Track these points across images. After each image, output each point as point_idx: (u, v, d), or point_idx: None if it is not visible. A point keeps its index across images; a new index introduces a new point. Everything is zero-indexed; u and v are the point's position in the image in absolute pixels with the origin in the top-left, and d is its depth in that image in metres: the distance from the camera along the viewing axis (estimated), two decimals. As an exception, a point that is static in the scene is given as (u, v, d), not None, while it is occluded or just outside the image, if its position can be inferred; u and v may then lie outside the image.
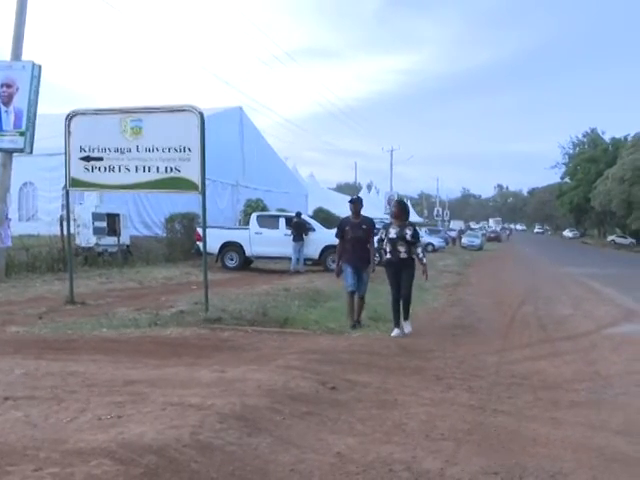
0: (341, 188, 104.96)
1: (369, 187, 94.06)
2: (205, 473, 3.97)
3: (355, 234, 10.56)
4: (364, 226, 10.67)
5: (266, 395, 5.72)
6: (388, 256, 10.19)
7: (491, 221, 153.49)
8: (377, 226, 11.48)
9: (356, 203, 10.84)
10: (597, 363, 8.45)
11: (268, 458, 4.36)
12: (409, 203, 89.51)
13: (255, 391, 5.81)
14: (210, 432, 4.56)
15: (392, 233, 10.08)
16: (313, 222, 24.08)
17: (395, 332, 9.93)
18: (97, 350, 7.97)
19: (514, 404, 6.28)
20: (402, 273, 10.15)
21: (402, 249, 10.03)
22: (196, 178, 10.55)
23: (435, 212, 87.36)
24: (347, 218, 11.01)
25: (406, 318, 10.22)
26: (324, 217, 33.67)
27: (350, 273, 10.60)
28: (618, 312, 13.75)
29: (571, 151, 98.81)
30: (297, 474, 4.17)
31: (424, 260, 10.32)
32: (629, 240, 75.69)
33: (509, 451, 4.82)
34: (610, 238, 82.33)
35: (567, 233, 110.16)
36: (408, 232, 10.08)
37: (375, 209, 54.91)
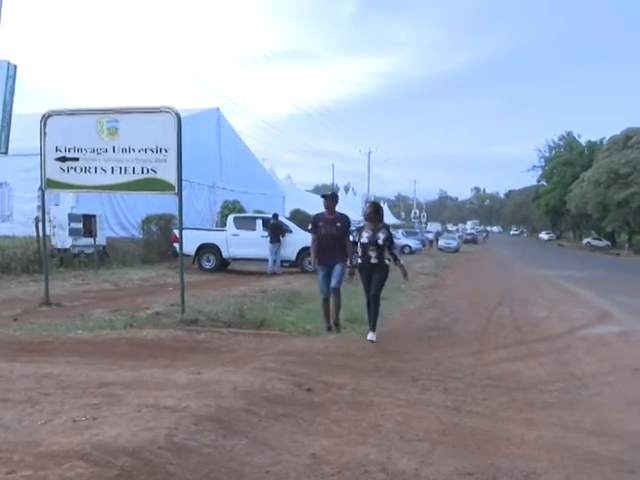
0: (318, 190, 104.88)
1: (346, 189, 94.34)
2: (180, 475, 3.97)
3: (328, 231, 10.15)
4: (338, 224, 10.22)
5: (242, 397, 5.72)
6: (359, 260, 9.79)
7: (469, 223, 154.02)
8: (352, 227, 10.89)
9: (329, 199, 10.46)
10: (571, 364, 8.52)
11: (243, 460, 4.36)
12: (385, 205, 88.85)
13: (231, 393, 5.81)
14: (185, 434, 4.55)
15: (364, 237, 9.66)
16: (290, 224, 24.04)
17: (371, 335, 9.53)
18: (72, 352, 7.92)
19: (489, 405, 6.31)
20: (373, 276, 9.70)
21: (373, 254, 9.59)
22: (172, 179, 10.50)
23: (412, 214, 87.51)
24: (321, 214, 10.55)
25: (373, 328, 9.57)
26: (301, 219, 33.61)
27: (322, 278, 10.24)
28: (593, 314, 13.85)
29: (547, 154, 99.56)
30: (272, 476, 4.17)
31: (401, 261, 9.99)
32: (604, 242, 76.31)
33: (484, 452, 4.86)
34: (586, 240, 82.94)
35: (543, 235, 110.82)
36: (381, 236, 9.59)
37: (352, 211, 54.81)
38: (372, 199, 55.19)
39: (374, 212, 10.03)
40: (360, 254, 9.72)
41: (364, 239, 9.63)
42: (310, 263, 21.62)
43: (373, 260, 9.61)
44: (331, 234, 10.14)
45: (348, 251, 10.10)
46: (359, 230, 9.94)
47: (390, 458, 4.58)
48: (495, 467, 4.51)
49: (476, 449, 4.91)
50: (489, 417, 5.89)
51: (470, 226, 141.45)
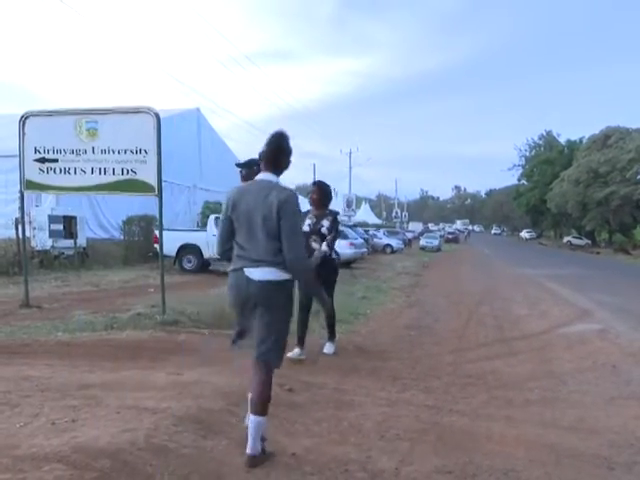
0: (300, 189, 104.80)
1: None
2: (160, 476, 3.96)
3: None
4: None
5: (222, 397, 5.71)
6: None
7: (458, 222, 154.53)
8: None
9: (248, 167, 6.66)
10: (551, 362, 8.58)
11: (223, 460, 4.36)
12: (367, 205, 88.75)
13: (211, 394, 5.80)
14: (165, 435, 4.54)
15: (305, 225, 7.87)
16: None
17: (294, 352, 7.75)
18: (52, 354, 7.88)
19: (469, 403, 6.35)
20: (319, 277, 6.99)
21: (316, 246, 7.98)
22: (152, 180, 10.45)
23: (394, 214, 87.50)
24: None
25: (331, 337, 8.50)
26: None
27: None
28: (572, 312, 13.93)
29: (527, 153, 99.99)
30: (253, 476, 4.18)
31: (328, 252, 8.05)
32: (584, 241, 76.73)
33: (464, 450, 4.88)
34: (566, 239, 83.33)
35: (524, 234, 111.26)
36: (325, 224, 8.03)
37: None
38: (354, 199, 54.85)
39: (319, 195, 8.30)
40: None
41: (305, 227, 7.78)
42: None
43: (316, 254, 7.93)
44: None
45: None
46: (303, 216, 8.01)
47: (370, 457, 4.60)
48: (475, 465, 4.54)
49: (456, 447, 4.94)
50: (469, 415, 5.92)
51: (460, 225, 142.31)
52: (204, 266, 23.14)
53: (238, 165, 7.11)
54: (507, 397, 6.65)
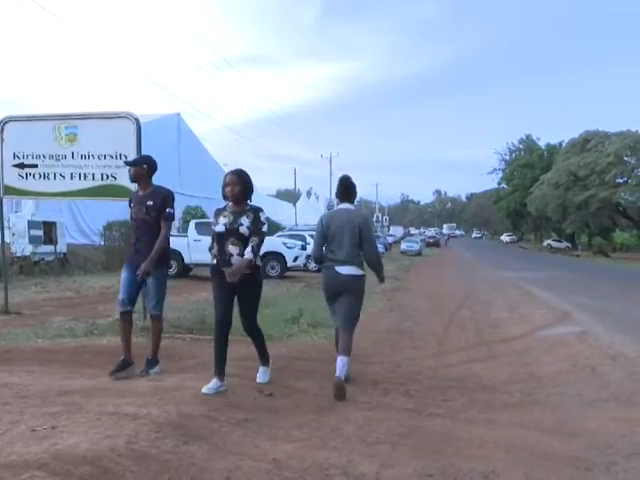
0: (281, 194, 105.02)
1: (308, 193, 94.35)
2: (140, 483, 3.95)
3: (138, 214, 7.08)
4: (150, 202, 6.96)
5: (202, 403, 5.71)
6: (213, 261, 6.52)
7: (445, 227, 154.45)
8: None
9: (135, 165, 7.20)
10: (531, 365, 8.62)
11: (204, 466, 4.35)
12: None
13: (192, 399, 5.79)
14: (145, 441, 4.53)
15: (219, 224, 6.41)
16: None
17: (210, 386, 6.16)
18: (32, 361, 7.84)
19: (450, 407, 6.36)
20: (239, 289, 6.43)
21: (234, 250, 6.33)
22: (133, 185, 10.42)
23: (374, 218, 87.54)
24: (137, 191, 7.33)
25: (264, 362, 7.01)
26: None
27: (125, 281, 7.11)
28: (553, 315, 14.01)
29: (507, 157, 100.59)
30: (234, 482, 4.17)
31: (254, 260, 6.33)
32: (564, 244, 77.24)
33: (444, 453, 4.89)
34: (546, 242, 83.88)
35: (505, 238, 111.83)
36: (244, 222, 6.36)
37: (315, 215, 54.91)
38: (335, 205, 54.69)
39: (238, 187, 6.54)
40: (214, 251, 6.49)
41: (219, 227, 6.39)
42: (273, 268, 21.91)
43: (235, 260, 6.29)
44: (141, 218, 7.05)
45: (159, 248, 6.94)
46: (216, 215, 6.60)
47: (351, 461, 4.60)
48: (455, 468, 4.55)
49: (436, 451, 4.95)
50: (449, 419, 5.94)
51: (447, 230, 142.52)
52: (185, 271, 23.09)
53: (127, 163, 7.62)
54: (487, 400, 6.67)
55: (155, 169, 7.28)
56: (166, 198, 7.06)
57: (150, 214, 6.94)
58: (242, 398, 6.07)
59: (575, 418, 6.08)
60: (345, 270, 6.76)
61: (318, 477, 4.28)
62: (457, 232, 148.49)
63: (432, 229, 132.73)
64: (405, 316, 13.55)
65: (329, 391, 6.50)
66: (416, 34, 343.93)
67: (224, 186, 6.55)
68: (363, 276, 6.92)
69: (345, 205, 7.09)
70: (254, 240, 6.30)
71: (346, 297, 6.84)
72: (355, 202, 7.42)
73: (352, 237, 6.77)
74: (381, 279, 7.44)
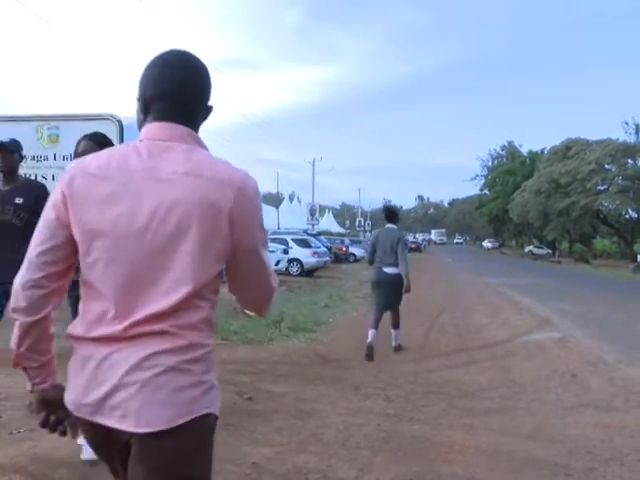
0: (264, 198, 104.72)
1: (291, 197, 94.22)
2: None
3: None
4: (18, 199, 4.98)
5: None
6: None
7: (433, 232, 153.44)
8: None
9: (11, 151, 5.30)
10: (511, 371, 8.65)
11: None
12: (330, 214, 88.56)
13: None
14: (124, 445, 4.49)
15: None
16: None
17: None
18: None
19: (430, 412, 6.37)
20: None
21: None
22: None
23: (357, 222, 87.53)
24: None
25: None
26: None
27: None
28: (533, 321, 14.04)
29: (490, 163, 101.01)
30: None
31: None
32: (546, 250, 77.43)
33: (424, 458, 4.90)
34: (528, 249, 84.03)
35: (486, 244, 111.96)
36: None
37: (298, 219, 54.93)
38: (318, 208, 54.62)
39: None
40: None
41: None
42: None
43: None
44: (6, 221, 4.98)
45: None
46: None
47: (331, 466, 4.59)
48: (435, 473, 4.55)
49: (416, 456, 4.95)
50: (430, 424, 5.94)
51: (435, 236, 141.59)
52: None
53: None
54: (467, 406, 6.68)
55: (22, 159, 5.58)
56: (42, 194, 4.82)
57: (20, 215, 4.95)
58: (222, 402, 6.03)
59: (555, 424, 6.10)
60: (388, 270, 9.53)
61: (297, 482, 4.27)
62: (444, 239, 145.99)
63: (419, 235, 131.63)
64: (386, 321, 13.53)
65: (309, 395, 6.50)
66: (400, 39, 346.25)
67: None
68: (400, 274, 9.47)
69: (390, 225, 9.86)
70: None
71: (388, 288, 9.65)
72: (397, 222, 10.05)
73: (392, 248, 9.43)
74: (407, 287, 9.68)
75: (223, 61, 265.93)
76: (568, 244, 78.29)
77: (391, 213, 10.04)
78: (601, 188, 59.47)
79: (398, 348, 9.94)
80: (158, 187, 1.84)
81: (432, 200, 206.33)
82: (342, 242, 50.56)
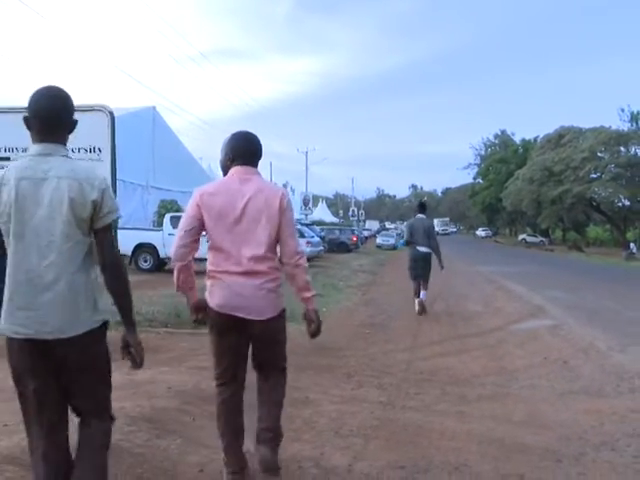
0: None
1: (285, 187, 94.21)
2: (113, 476, 3.93)
3: None
4: None
5: (176, 397, 5.71)
6: None
7: (436, 222, 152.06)
8: None
9: None
10: (504, 358, 8.71)
11: (177, 459, 4.36)
12: (324, 203, 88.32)
13: (165, 393, 5.80)
14: (119, 435, 4.50)
15: None
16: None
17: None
18: (3, 356, 7.75)
19: (422, 400, 6.42)
20: None
21: None
22: (107, 179, 10.37)
23: (350, 212, 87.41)
24: None
25: None
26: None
27: None
28: (526, 309, 14.12)
29: (483, 152, 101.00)
30: (206, 475, 4.18)
31: None
32: (539, 239, 77.57)
33: (416, 445, 4.94)
34: (521, 237, 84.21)
35: (480, 232, 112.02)
36: None
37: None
38: (311, 197, 54.41)
39: None
40: None
41: None
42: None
43: None
44: None
45: None
46: None
47: (324, 454, 4.64)
48: (427, 460, 4.60)
49: (409, 443, 4.99)
50: (422, 411, 5.99)
51: (439, 225, 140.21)
52: (160, 265, 22.93)
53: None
54: (460, 393, 6.73)
55: None
56: None
57: None
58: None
59: (546, 410, 6.16)
60: (422, 249, 12.58)
61: (291, 469, 4.30)
62: (449, 228, 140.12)
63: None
64: (379, 310, 13.59)
65: (302, 384, 6.54)
66: (392, 29, 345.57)
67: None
68: (431, 253, 12.66)
69: (421, 215, 13.05)
70: None
71: (422, 265, 12.69)
72: (426, 213, 13.35)
73: (425, 232, 12.62)
74: (441, 264, 12.87)
75: (215, 51, 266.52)
76: (561, 232, 78.49)
77: (423, 206, 13.47)
78: (594, 176, 59.47)
79: (423, 302, 12.77)
80: (245, 197, 3.81)
81: (425, 189, 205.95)
82: (352, 232, 50.02)
